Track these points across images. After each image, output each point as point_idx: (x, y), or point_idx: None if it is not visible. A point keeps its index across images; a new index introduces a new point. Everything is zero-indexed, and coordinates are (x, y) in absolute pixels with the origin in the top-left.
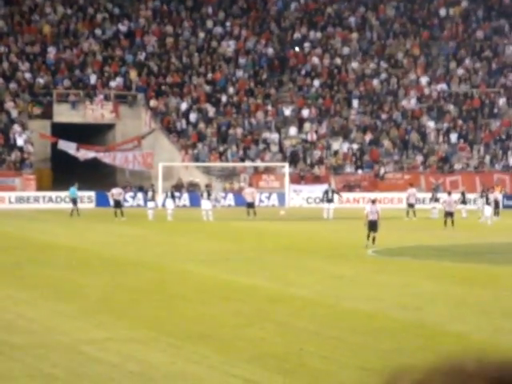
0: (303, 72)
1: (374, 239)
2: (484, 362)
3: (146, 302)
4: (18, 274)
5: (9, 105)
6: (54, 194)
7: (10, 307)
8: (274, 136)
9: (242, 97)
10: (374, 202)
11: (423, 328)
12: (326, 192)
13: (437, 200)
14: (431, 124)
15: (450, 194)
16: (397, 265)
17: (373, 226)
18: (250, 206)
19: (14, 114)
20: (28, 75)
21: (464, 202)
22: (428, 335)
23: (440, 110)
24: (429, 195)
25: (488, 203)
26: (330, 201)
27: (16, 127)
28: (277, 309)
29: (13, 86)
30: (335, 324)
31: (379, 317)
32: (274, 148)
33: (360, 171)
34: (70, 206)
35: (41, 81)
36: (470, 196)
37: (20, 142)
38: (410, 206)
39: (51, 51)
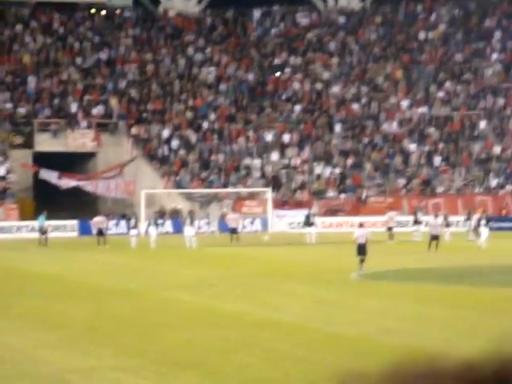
0: (284, 97)
1: (362, 261)
2: (436, 366)
3: (131, 330)
4: (1, 304)
5: None
6: (36, 224)
7: None
8: (256, 162)
9: (224, 123)
10: (361, 225)
11: (408, 351)
12: (307, 216)
13: (419, 223)
14: (413, 147)
15: (436, 216)
16: (381, 288)
17: (362, 249)
18: (234, 231)
19: None
20: (9, 105)
21: (447, 224)
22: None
23: (421, 133)
24: (411, 218)
25: (486, 225)
26: (311, 225)
27: None
28: (262, 334)
29: None
30: (321, 349)
31: (365, 341)
32: (256, 174)
33: (342, 195)
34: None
35: (21, 110)
36: (452, 219)
37: (1, 171)
38: (389, 229)
39: (31, 81)
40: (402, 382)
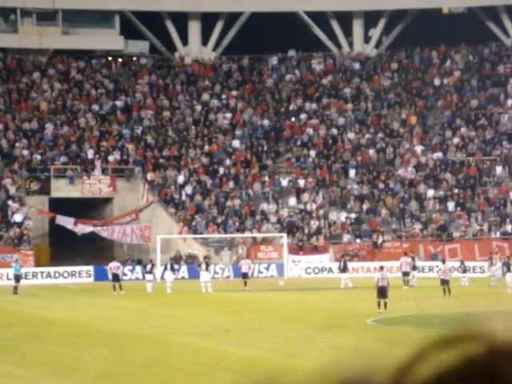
0: (299, 143)
1: (385, 305)
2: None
3: (146, 376)
4: (16, 351)
5: (6, 181)
6: (52, 270)
7: None
8: (272, 207)
9: (239, 168)
10: (382, 268)
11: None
12: (345, 262)
13: (415, 268)
14: (429, 192)
15: (444, 261)
16: (398, 334)
17: (383, 292)
18: (245, 276)
19: (12, 190)
20: (25, 152)
21: (464, 270)
22: None
23: (436, 178)
24: (428, 263)
25: (510, 270)
26: (342, 270)
27: (14, 203)
28: None
29: (10, 162)
30: None
31: None
32: (272, 219)
33: (358, 240)
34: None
35: (38, 157)
36: (469, 264)
37: (18, 218)
38: (405, 274)
39: (48, 127)
40: None
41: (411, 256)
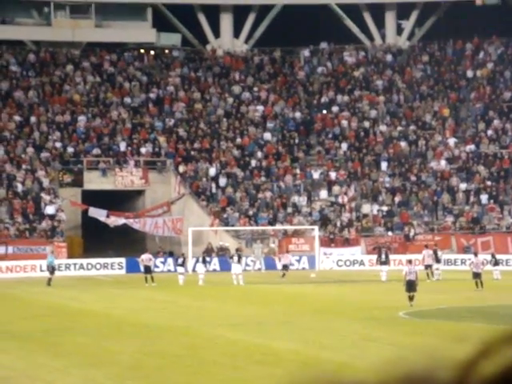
0: (331, 135)
1: (412, 298)
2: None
3: (178, 368)
4: (49, 342)
5: (40, 173)
6: (84, 261)
7: (43, 375)
8: (303, 199)
9: (271, 160)
10: (410, 262)
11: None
12: (386, 254)
13: (438, 261)
14: (461, 185)
15: (476, 254)
16: (430, 327)
17: (411, 285)
18: (285, 267)
19: (45, 182)
20: (58, 144)
21: (496, 263)
22: None
23: (469, 171)
24: (461, 256)
25: None
26: (383, 263)
27: (47, 195)
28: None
29: (44, 155)
30: None
31: None
32: (303, 211)
33: (390, 233)
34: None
35: (71, 149)
36: (502, 257)
37: (51, 210)
38: (427, 267)
39: (81, 120)
40: None
41: (433, 249)
